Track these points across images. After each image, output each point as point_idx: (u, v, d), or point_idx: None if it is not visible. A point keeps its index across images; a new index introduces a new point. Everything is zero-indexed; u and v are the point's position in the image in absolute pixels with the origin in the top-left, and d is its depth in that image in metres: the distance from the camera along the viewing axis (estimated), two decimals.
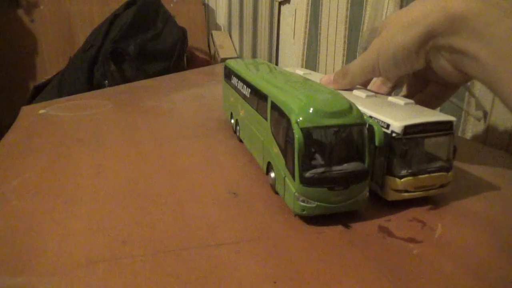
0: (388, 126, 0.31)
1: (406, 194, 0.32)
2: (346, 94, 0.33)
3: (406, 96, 0.42)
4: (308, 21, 0.88)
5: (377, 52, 0.35)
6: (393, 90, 0.43)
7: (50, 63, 1.33)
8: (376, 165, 0.32)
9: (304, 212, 0.29)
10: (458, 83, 0.38)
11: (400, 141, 0.30)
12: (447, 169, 0.32)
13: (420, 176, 0.32)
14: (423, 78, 0.41)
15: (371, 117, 0.32)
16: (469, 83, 0.50)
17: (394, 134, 0.30)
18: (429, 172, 0.32)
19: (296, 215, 0.31)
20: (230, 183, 0.37)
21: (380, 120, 0.32)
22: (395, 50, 0.34)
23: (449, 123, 0.32)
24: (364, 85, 0.43)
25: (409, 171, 0.31)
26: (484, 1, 0.29)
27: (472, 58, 0.30)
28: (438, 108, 0.55)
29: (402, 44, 0.33)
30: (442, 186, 0.33)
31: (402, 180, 0.31)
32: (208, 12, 1.65)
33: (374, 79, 0.44)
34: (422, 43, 0.32)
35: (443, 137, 0.32)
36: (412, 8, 0.33)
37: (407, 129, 0.30)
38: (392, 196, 0.32)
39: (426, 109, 0.34)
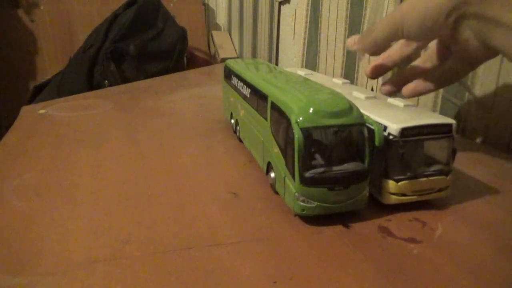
0: (385, 128, 0.31)
1: (403, 197, 0.31)
2: (346, 95, 0.33)
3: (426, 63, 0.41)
4: (308, 21, 0.88)
5: (403, 13, 0.34)
6: (416, 52, 0.42)
7: (50, 63, 1.33)
8: (373, 167, 0.31)
9: (304, 212, 0.29)
10: (478, 59, 0.37)
11: (397, 143, 0.30)
12: (446, 173, 0.32)
13: (418, 180, 0.31)
14: (448, 48, 0.39)
15: None
16: (469, 83, 0.50)
17: (391, 137, 0.30)
18: (427, 176, 0.31)
19: (296, 215, 0.31)
20: (230, 183, 0.37)
21: (377, 122, 0.31)
22: (426, 13, 0.33)
23: (448, 125, 0.31)
24: (385, 49, 0.41)
25: (406, 174, 0.31)
26: None
27: (504, 27, 0.29)
28: (439, 109, 0.55)
29: (434, 7, 0.32)
30: (441, 189, 0.32)
31: (399, 183, 0.31)
32: (208, 12, 1.65)
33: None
34: (452, 8, 0.31)
35: (442, 140, 0.31)
36: None
37: (404, 131, 0.30)
38: (389, 199, 0.32)
39: (425, 111, 0.34)
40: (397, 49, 0.43)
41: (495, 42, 0.31)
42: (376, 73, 0.44)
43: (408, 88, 0.42)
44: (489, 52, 0.33)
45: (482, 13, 0.30)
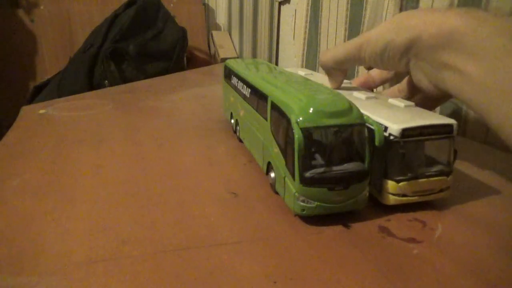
0: (386, 128, 0.30)
1: (404, 198, 0.31)
2: (346, 95, 0.33)
3: (407, 97, 0.42)
4: (308, 21, 0.88)
5: (366, 41, 0.36)
6: (397, 76, 0.44)
7: (50, 63, 1.33)
8: (374, 168, 0.31)
9: (304, 212, 0.29)
10: (437, 98, 0.39)
11: (397, 144, 0.30)
12: (447, 173, 0.32)
13: (419, 180, 0.31)
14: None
15: None
16: None
17: (391, 137, 0.30)
18: (427, 176, 0.31)
19: (296, 215, 0.31)
20: (230, 183, 0.37)
21: (378, 122, 0.31)
22: (383, 47, 0.35)
23: (449, 126, 0.31)
24: (344, 67, 0.42)
25: (407, 175, 0.31)
26: (478, 19, 0.29)
27: (457, 72, 0.30)
28: (438, 109, 0.55)
29: (391, 43, 0.34)
30: (441, 190, 0.32)
31: (399, 184, 0.31)
32: (208, 12, 1.65)
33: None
34: (407, 49, 0.33)
35: (443, 141, 0.31)
36: (414, 14, 0.34)
37: (405, 132, 0.30)
38: (390, 200, 0.31)
39: (426, 111, 0.34)
40: (378, 72, 0.45)
41: (447, 86, 0.32)
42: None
43: None
44: (443, 93, 0.34)
45: (435, 58, 0.32)
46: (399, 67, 0.36)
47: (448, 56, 0.31)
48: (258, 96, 0.37)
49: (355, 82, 0.47)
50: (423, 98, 0.40)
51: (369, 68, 0.44)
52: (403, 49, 0.33)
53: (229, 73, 0.50)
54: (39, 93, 1.08)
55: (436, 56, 0.32)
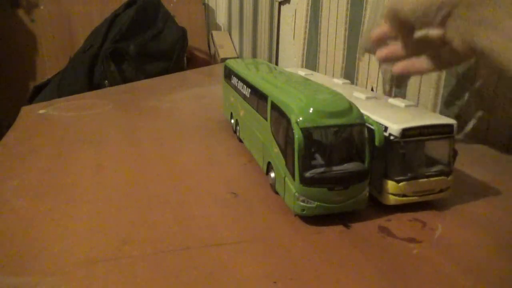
0: (386, 128, 0.30)
1: (404, 198, 0.31)
2: (346, 95, 0.33)
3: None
4: (308, 21, 0.88)
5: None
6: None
7: (50, 63, 1.33)
8: (374, 168, 0.31)
9: (304, 212, 0.29)
10: (460, 57, 0.38)
11: (398, 144, 0.30)
12: (447, 173, 0.32)
13: (419, 180, 0.31)
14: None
15: None
16: (468, 84, 0.50)
17: (392, 137, 0.30)
18: (427, 176, 0.31)
19: (296, 215, 0.31)
20: (230, 183, 0.37)
21: (378, 122, 0.31)
22: (417, 5, 0.34)
23: (450, 126, 0.31)
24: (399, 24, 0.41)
25: (407, 175, 0.31)
26: None
27: (492, 27, 0.30)
28: (438, 109, 0.55)
29: (424, 2, 0.34)
30: (441, 190, 0.32)
31: (399, 184, 0.31)
32: (208, 12, 1.65)
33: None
34: (443, 6, 0.33)
35: (443, 141, 0.31)
36: None
37: (405, 132, 0.30)
38: (390, 200, 0.31)
39: (426, 111, 0.34)
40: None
41: (481, 42, 0.31)
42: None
43: (400, 64, 0.42)
44: (469, 52, 0.34)
45: (469, 14, 0.31)
46: (435, 24, 0.35)
47: (485, 11, 0.31)
48: (258, 96, 0.37)
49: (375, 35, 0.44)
50: (432, 57, 0.40)
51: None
52: (439, 4, 0.33)
53: (229, 73, 0.50)
54: (39, 93, 1.08)
55: (473, 12, 0.31)
